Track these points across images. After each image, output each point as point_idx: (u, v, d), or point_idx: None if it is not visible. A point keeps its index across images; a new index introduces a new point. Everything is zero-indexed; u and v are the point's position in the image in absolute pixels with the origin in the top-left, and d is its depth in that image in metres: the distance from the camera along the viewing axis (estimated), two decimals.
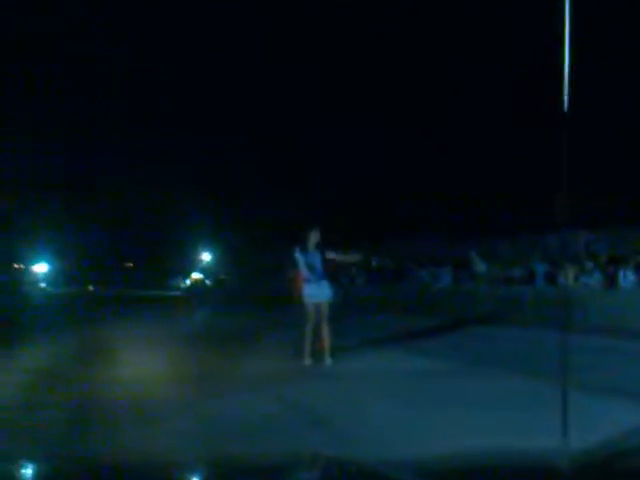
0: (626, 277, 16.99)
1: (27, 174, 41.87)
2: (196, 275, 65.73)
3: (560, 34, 2.82)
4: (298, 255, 9.90)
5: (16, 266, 65.27)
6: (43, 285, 67.53)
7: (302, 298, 9.91)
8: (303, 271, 9.89)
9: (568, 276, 17.38)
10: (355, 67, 33.83)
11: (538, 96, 15.67)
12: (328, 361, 9.75)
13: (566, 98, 2.49)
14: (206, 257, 62.23)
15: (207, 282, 58.10)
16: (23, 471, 2.40)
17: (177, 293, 55.04)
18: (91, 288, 61.97)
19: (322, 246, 10.01)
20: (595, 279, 17.71)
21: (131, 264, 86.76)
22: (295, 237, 10.21)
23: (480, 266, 22.14)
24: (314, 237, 9.96)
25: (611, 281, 17.35)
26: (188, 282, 67.78)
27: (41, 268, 71.94)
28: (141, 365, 9.91)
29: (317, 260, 9.89)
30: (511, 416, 6.19)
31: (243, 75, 40.06)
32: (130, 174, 45.97)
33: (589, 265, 18.13)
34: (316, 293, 9.84)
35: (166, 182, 45.76)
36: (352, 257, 29.40)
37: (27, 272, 67.92)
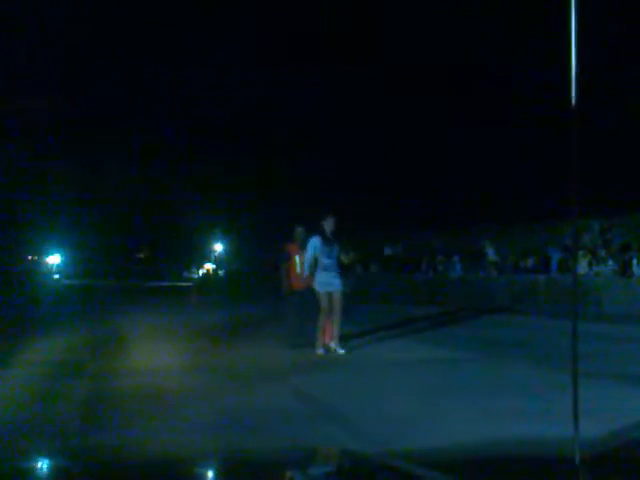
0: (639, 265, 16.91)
1: (41, 166, 41.97)
2: (208, 266, 65.94)
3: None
4: (316, 244, 9.83)
5: (29, 257, 65.58)
6: (56, 276, 67.82)
7: (313, 287, 9.89)
8: (321, 259, 9.82)
9: (581, 264, 17.32)
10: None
11: (550, 86, 15.61)
12: (340, 351, 9.75)
13: (574, 88, 2.48)
14: (218, 247, 62.33)
15: (219, 273, 58.23)
16: (36, 466, 2.42)
17: (190, 284, 55.21)
18: (104, 279, 62.27)
19: (337, 235, 9.96)
20: (609, 267, 17.64)
21: (143, 255, 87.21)
22: (311, 226, 10.18)
23: (494, 255, 22.09)
24: (329, 226, 9.91)
25: (624, 269, 17.27)
26: (201, 273, 67.99)
27: (54, 259, 72.27)
28: (154, 356, 9.97)
29: (334, 249, 9.85)
30: (523, 404, 6.19)
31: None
32: (142, 166, 46.11)
33: (602, 253, 18.05)
34: (328, 282, 9.81)
35: (178, 171, 45.84)
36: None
37: (40, 263, 68.22)
